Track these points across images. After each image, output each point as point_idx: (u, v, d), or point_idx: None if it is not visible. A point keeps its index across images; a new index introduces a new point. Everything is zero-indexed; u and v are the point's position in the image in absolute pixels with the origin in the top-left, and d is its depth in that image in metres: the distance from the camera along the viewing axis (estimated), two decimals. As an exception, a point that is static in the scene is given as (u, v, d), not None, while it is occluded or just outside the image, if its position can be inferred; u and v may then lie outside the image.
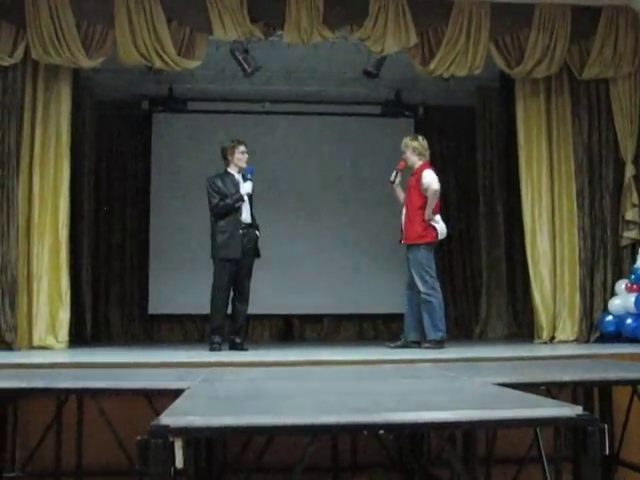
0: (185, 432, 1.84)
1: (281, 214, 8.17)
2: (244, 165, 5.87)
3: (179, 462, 1.82)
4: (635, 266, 6.16)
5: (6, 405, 3.88)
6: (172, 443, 1.81)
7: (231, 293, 5.76)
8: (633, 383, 3.40)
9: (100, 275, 8.36)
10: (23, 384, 3.12)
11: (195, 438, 2.23)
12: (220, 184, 5.77)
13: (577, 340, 6.34)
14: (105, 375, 3.46)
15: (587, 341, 6.33)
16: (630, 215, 6.42)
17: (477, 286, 8.49)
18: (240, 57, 6.61)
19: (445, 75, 6.40)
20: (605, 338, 6.22)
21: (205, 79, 7.77)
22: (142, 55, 6.00)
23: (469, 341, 7.59)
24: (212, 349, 5.57)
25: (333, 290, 8.48)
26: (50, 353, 5.65)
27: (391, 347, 5.81)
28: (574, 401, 3.89)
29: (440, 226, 5.79)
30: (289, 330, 8.68)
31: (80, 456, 3.94)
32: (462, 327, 8.60)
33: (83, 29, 5.99)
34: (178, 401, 2.29)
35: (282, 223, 8.17)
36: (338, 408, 2.17)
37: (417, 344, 5.72)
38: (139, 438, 1.82)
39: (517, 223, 7.09)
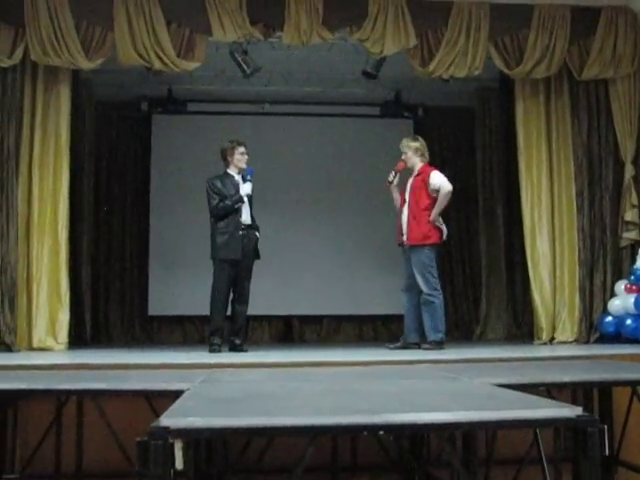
0: (185, 433, 1.84)
1: (281, 215, 8.18)
2: (244, 166, 5.87)
3: (179, 463, 1.82)
4: (635, 267, 6.16)
5: (6, 407, 3.87)
6: (172, 444, 1.80)
7: (231, 294, 5.77)
8: (633, 384, 3.39)
9: (100, 276, 8.36)
10: (23, 385, 3.12)
11: (195, 439, 2.23)
12: (220, 185, 5.76)
13: (577, 341, 6.34)
14: (105, 376, 3.45)
15: (587, 342, 6.33)
16: (629, 216, 6.42)
17: (477, 287, 8.50)
18: (239, 58, 6.62)
19: (444, 76, 6.40)
20: (605, 339, 6.22)
21: (205, 80, 7.79)
22: (141, 56, 6.00)
23: (469, 342, 7.60)
24: (212, 350, 5.56)
25: (333, 291, 8.49)
26: (50, 354, 5.64)
27: (391, 348, 5.81)
28: (574, 402, 3.89)
29: (444, 227, 5.80)
30: (289, 331, 8.68)
31: (80, 457, 3.93)
32: (462, 328, 8.61)
33: (82, 30, 5.99)
34: (178, 402, 2.29)
35: (282, 224, 8.18)
36: (338, 409, 2.16)
37: (417, 345, 5.73)
38: (139, 439, 1.82)
39: (517, 224, 7.10)
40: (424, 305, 5.66)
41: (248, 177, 5.80)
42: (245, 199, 5.76)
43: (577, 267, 6.45)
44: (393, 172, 5.92)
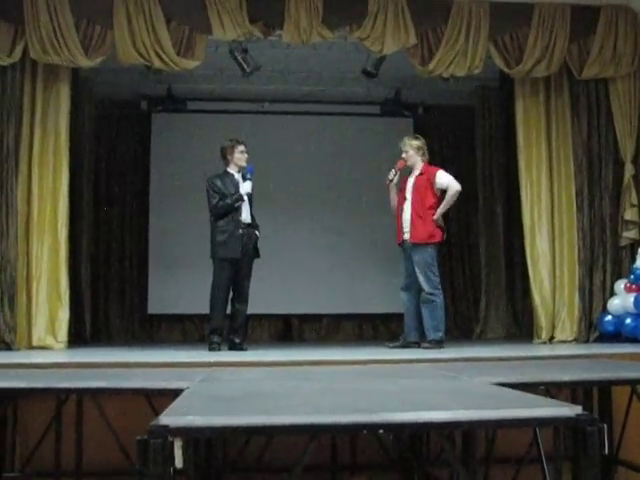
0: (185, 432, 1.84)
1: (280, 214, 8.17)
2: (244, 164, 5.87)
3: (178, 462, 1.82)
4: (634, 266, 6.16)
5: (6, 405, 3.88)
6: (172, 443, 1.81)
7: (230, 293, 5.77)
8: (632, 383, 3.40)
9: (100, 275, 8.36)
10: (23, 384, 3.12)
11: (195, 438, 2.22)
12: (219, 184, 5.76)
13: (576, 340, 6.34)
14: (105, 375, 3.46)
15: (586, 341, 6.33)
16: (629, 215, 6.42)
17: (476, 286, 8.50)
18: (239, 57, 6.62)
19: (444, 75, 6.40)
20: (604, 338, 6.22)
21: (204, 79, 7.79)
22: (141, 55, 5.99)
23: (468, 341, 7.60)
24: (211, 349, 5.57)
25: (332, 290, 8.49)
26: (49, 353, 5.65)
27: (390, 347, 5.81)
28: (573, 401, 3.89)
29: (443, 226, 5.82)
30: (288, 330, 8.68)
31: (80, 456, 3.93)
32: (462, 327, 8.61)
33: (82, 29, 5.99)
34: (177, 401, 2.29)
35: (282, 223, 8.18)
36: (337, 408, 2.16)
37: (416, 344, 5.73)
38: (139, 438, 1.82)
39: (516, 223, 7.10)
40: (424, 304, 5.66)
41: (248, 175, 5.79)
42: (245, 198, 5.76)
43: (577, 266, 6.45)
44: (393, 170, 5.92)
